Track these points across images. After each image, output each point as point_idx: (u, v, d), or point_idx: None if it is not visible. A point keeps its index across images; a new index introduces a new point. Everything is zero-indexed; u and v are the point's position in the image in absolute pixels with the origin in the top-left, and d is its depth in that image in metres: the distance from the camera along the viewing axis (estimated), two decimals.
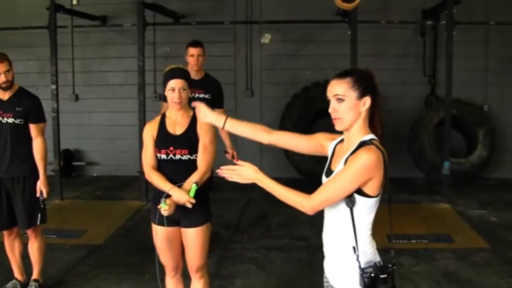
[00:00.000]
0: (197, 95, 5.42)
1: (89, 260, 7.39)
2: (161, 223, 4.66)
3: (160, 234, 4.75)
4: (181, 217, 4.67)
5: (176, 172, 4.66)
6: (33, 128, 5.96)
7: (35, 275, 6.26)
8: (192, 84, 4.83)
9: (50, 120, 10.46)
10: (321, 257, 7.26)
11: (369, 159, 3.13)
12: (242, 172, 3.56)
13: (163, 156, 4.68)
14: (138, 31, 10.45)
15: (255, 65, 12.69)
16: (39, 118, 6.02)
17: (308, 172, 11.52)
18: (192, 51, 7.42)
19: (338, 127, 3.37)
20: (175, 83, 4.62)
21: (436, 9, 11.39)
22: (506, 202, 10.35)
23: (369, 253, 3.41)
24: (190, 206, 4.47)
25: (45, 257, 6.34)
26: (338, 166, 3.33)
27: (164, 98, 7.42)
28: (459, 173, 11.34)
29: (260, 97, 12.75)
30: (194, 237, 4.73)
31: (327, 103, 3.20)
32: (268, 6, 12.40)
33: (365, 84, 3.27)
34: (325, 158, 3.63)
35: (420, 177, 12.21)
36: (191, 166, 4.67)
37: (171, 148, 4.65)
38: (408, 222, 8.89)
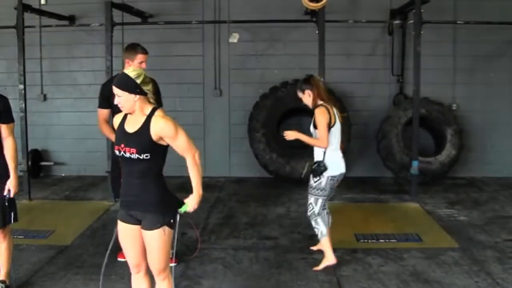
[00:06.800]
0: None
1: (56, 261, 7.29)
2: (124, 220, 4.72)
3: (122, 230, 4.78)
4: (141, 217, 4.65)
5: (129, 169, 4.63)
6: (4, 129, 5.90)
7: (2, 276, 6.13)
8: None
9: (18, 120, 10.32)
10: (289, 257, 7.29)
11: (321, 110, 6.77)
12: (289, 133, 6.98)
13: (117, 152, 4.65)
14: (106, 31, 10.34)
15: (223, 65, 12.64)
16: (10, 118, 5.97)
17: (276, 172, 11.50)
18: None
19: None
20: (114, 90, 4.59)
21: (404, 8, 11.42)
22: (474, 201, 10.38)
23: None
24: None
25: (12, 257, 6.22)
26: (312, 120, 6.94)
27: (100, 105, 7.27)
28: (427, 172, 11.38)
29: (228, 97, 12.71)
30: (150, 240, 4.65)
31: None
32: (236, 6, 12.38)
33: (303, 86, 7.00)
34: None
35: (389, 176, 12.24)
36: (142, 165, 4.55)
37: (122, 146, 4.57)
38: (377, 222, 8.89)
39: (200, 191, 4.78)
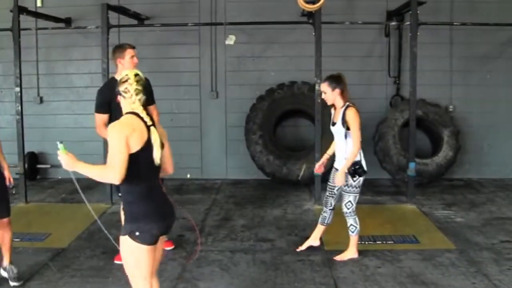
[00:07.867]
0: None
1: (53, 264, 7.26)
2: None
3: None
4: None
5: None
6: None
7: (7, 259, 6.58)
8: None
9: (14, 122, 10.35)
10: (286, 259, 7.26)
11: (354, 111, 7.03)
12: (338, 180, 7.23)
13: None
14: (102, 33, 10.29)
15: (219, 67, 12.63)
16: None
17: (272, 174, 11.49)
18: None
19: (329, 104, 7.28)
20: None
21: (401, 10, 11.40)
22: (471, 203, 10.38)
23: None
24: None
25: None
26: (338, 119, 7.14)
27: (98, 110, 7.20)
28: (424, 173, 11.39)
29: (225, 99, 12.70)
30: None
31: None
32: (232, 8, 12.38)
33: (334, 83, 7.06)
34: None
35: (386, 178, 12.23)
36: None
37: None
38: (374, 223, 8.88)
39: (79, 166, 4.47)
